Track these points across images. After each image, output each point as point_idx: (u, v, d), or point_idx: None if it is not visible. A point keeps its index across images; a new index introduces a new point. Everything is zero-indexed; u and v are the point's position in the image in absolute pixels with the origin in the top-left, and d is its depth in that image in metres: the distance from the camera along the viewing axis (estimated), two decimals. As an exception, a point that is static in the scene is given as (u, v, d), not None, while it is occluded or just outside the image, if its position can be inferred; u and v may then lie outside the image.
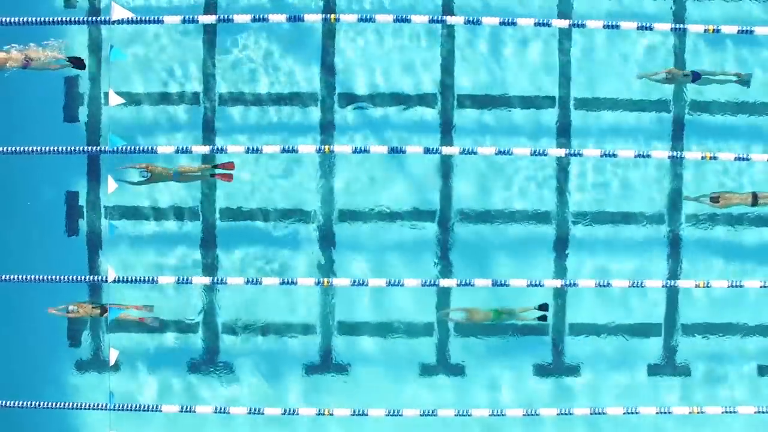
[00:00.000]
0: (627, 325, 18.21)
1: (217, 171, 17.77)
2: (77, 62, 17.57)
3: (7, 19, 16.98)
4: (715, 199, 17.67)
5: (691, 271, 18.15)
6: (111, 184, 17.20)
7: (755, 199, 17.66)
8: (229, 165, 17.79)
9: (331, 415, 17.41)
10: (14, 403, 17.15)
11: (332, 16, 17.42)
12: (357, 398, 18.02)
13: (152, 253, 18.23)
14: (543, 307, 17.80)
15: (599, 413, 17.43)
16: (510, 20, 17.26)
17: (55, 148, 17.00)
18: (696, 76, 17.73)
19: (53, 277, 17.11)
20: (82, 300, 17.85)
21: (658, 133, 18.21)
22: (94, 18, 17.99)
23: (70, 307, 17.30)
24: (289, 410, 17.42)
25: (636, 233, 18.23)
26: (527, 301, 17.87)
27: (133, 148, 17.11)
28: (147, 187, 18.00)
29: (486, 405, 17.91)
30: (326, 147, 17.60)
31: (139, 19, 17.15)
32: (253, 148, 17.25)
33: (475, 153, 17.35)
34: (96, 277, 17.75)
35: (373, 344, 18.22)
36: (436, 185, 18.19)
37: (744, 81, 18.03)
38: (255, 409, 17.45)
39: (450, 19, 17.63)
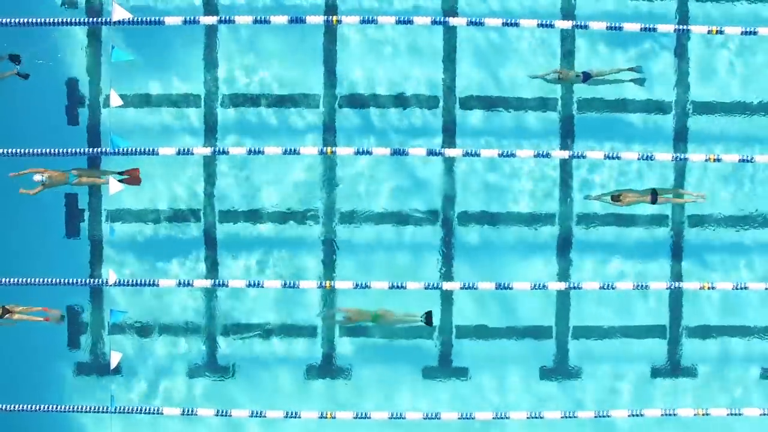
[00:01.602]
0: (631, 327, 18.18)
1: (123, 177, 17.57)
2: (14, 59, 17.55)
3: (8, 20, 16.93)
4: (616, 198, 17.65)
5: (695, 273, 18.13)
6: (112, 187, 17.13)
7: (654, 196, 17.64)
8: (134, 171, 17.63)
9: (334, 418, 17.36)
10: (15, 407, 17.09)
11: (334, 18, 17.38)
12: (359, 401, 17.98)
13: (153, 255, 18.15)
14: (427, 314, 17.74)
15: (604, 416, 17.41)
16: (513, 21, 17.22)
17: (56, 150, 16.94)
18: (586, 76, 17.68)
19: (54, 279, 17.04)
20: (83, 303, 17.90)
21: (660, 134, 18.22)
22: (94, 19, 17.93)
23: None
24: (291, 413, 17.35)
25: (640, 235, 18.20)
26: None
27: (134, 149, 17.05)
28: (148, 190, 17.98)
29: (489, 408, 17.86)
30: (328, 149, 17.55)
31: (139, 20, 17.10)
32: (255, 150, 17.20)
33: (478, 155, 17.31)
34: (96, 280, 17.66)
35: (376, 347, 18.16)
36: (439, 187, 18.16)
37: (636, 73, 17.95)
38: (257, 412, 17.39)
39: (453, 21, 17.59)
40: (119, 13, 17.01)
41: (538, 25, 17.24)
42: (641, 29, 17.15)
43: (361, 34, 18.21)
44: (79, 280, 17.44)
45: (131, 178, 17.56)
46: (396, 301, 17.70)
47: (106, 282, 17.28)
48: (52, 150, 16.92)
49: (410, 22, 17.14)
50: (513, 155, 17.29)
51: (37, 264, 17.67)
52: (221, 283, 17.64)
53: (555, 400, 18.10)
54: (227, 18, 17.31)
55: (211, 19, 17.59)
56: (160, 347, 18.19)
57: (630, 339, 18.19)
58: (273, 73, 18.22)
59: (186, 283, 17.47)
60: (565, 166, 18.13)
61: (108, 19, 17.26)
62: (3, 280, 16.96)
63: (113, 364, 17.49)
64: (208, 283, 17.72)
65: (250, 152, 17.22)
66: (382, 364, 18.17)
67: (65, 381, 18.08)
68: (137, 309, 18.04)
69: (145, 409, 17.52)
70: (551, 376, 18.20)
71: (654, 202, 17.68)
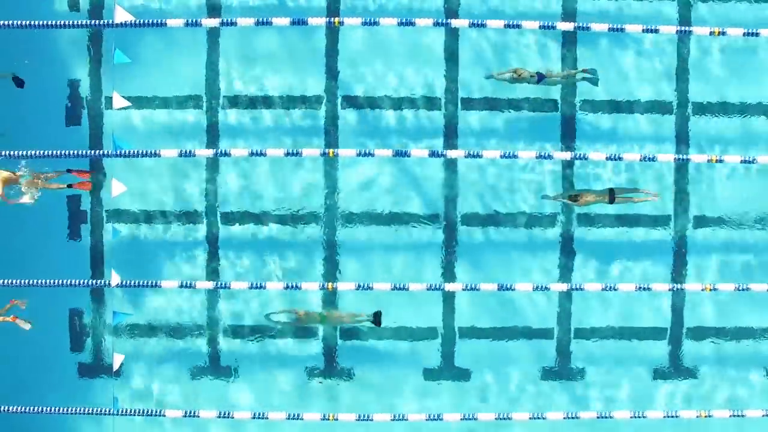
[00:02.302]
0: (633, 328, 18.18)
1: (75, 181, 17.50)
2: None
3: (9, 22, 16.92)
4: (573, 198, 17.63)
5: (697, 274, 18.13)
6: (115, 188, 17.14)
7: (612, 196, 17.62)
8: (86, 174, 17.56)
9: (336, 419, 17.36)
10: (18, 408, 17.07)
11: (336, 19, 17.38)
12: (361, 403, 17.98)
13: (155, 257, 18.15)
14: (376, 314, 17.75)
15: (606, 417, 17.42)
16: (515, 23, 17.22)
17: (58, 152, 16.93)
18: (540, 77, 17.68)
19: (56, 281, 17.03)
20: (85, 304, 17.96)
21: (663, 135, 18.24)
22: (96, 21, 17.94)
23: None
24: (294, 415, 17.35)
25: (642, 236, 18.20)
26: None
27: (136, 151, 17.05)
28: (150, 192, 18.01)
29: (492, 409, 17.87)
30: (330, 150, 17.56)
31: (142, 22, 17.10)
32: (256, 152, 17.20)
33: (480, 156, 17.30)
34: (99, 282, 17.65)
35: (377, 348, 18.16)
36: (441, 189, 18.16)
37: (591, 79, 17.96)
38: (259, 414, 17.39)
39: (455, 22, 17.59)
40: (121, 15, 17.01)
41: (540, 26, 17.24)
42: (643, 30, 17.13)
43: (363, 36, 18.22)
44: (81, 281, 17.43)
45: (82, 183, 17.51)
46: (398, 302, 17.74)
47: (109, 284, 17.28)
48: (54, 152, 16.91)
49: (412, 23, 17.14)
50: (515, 156, 17.29)
51: (39, 266, 17.65)
52: (223, 284, 17.64)
53: (557, 401, 18.11)
54: (229, 20, 17.31)
55: (213, 21, 17.59)
56: (163, 349, 18.18)
57: (632, 340, 18.18)
58: (275, 74, 18.21)
59: (188, 284, 17.47)
60: (567, 167, 18.14)
61: (110, 21, 17.26)
62: (5, 281, 16.95)
63: (116, 366, 17.50)
64: (210, 284, 17.71)
65: (252, 154, 17.22)
66: (384, 365, 18.17)
67: (67, 383, 18.08)
68: (140, 311, 18.05)
69: (148, 411, 17.53)
70: (553, 377, 18.20)
71: (612, 201, 17.67)
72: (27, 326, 17.24)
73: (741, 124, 18.20)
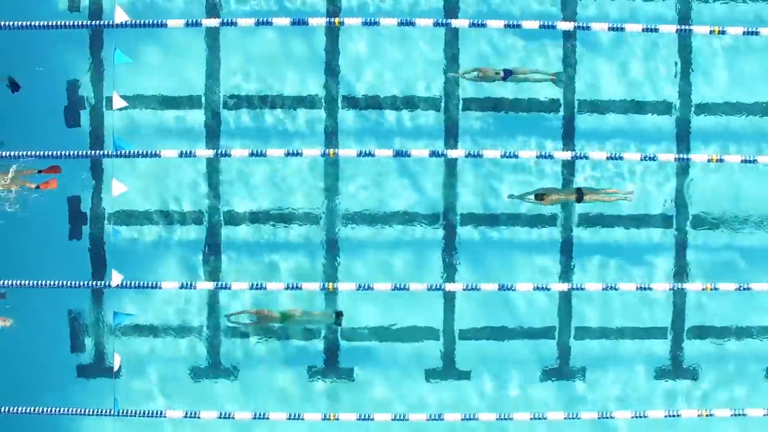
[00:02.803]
0: (634, 328, 18.18)
1: (43, 180, 17.39)
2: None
3: (10, 23, 16.91)
4: (539, 197, 17.60)
5: (698, 274, 18.14)
6: (116, 188, 17.12)
7: (580, 195, 17.61)
8: (56, 169, 17.49)
9: (337, 419, 17.36)
10: (18, 409, 17.05)
11: (336, 20, 17.38)
12: (362, 403, 17.97)
13: (156, 257, 18.15)
14: (339, 314, 17.77)
15: (607, 417, 17.42)
16: (515, 23, 17.22)
17: (58, 153, 16.93)
18: (507, 74, 17.67)
19: (56, 281, 17.02)
20: (87, 305, 17.96)
21: (663, 135, 18.24)
22: (96, 21, 17.94)
23: None
24: (294, 415, 17.35)
25: (642, 236, 18.21)
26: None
27: (136, 151, 17.04)
28: (151, 192, 18.02)
29: (493, 409, 17.87)
30: (331, 151, 17.55)
31: (142, 22, 17.10)
32: (257, 152, 17.19)
33: (480, 156, 17.30)
34: (100, 282, 17.65)
35: (379, 348, 18.16)
36: (442, 189, 18.16)
37: (558, 80, 17.96)
38: (259, 414, 17.39)
39: (455, 22, 17.60)
40: (121, 15, 17.01)
41: (540, 26, 17.24)
42: (643, 30, 17.13)
43: (364, 36, 18.22)
44: (81, 282, 17.42)
45: (47, 182, 17.48)
46: (399, 302, 17.74)
47: (109, 284, 17.27)
48: (54, 152, 16.90)
49: (412, 23, 17.14)
50: (515, 156, 17.28)
51: (39, 266, 17.65)
52: (224, 285, 17.63)
53: (558, 401, 18.11)
54: (229, 20, 17.31)
55: (213, 22, 17.61)
56: (163, 349, 18.19)
57: (632, 340, 18.19)
58: (275, 74, 18.22)
59: (189, 285, 17.46)
60: (568, 167, 18.14)
61: (110, 22, 17.26)
62: (6, 282, 16.95)
63: (116, 367, 17.48)
64: (210, 285, 17.71)
65: (252, 154, 17.21)
66: (385, 365, 18.17)
67: (67, 383, 18.08)
68: (140, 311, 18.04)
69: (148, 412, 17.51)
70: (554, 377, 18.20)
71: (580, 200, 17.66)
72: (7, 323, 17.25)
73: (744, 123, 18.26)
